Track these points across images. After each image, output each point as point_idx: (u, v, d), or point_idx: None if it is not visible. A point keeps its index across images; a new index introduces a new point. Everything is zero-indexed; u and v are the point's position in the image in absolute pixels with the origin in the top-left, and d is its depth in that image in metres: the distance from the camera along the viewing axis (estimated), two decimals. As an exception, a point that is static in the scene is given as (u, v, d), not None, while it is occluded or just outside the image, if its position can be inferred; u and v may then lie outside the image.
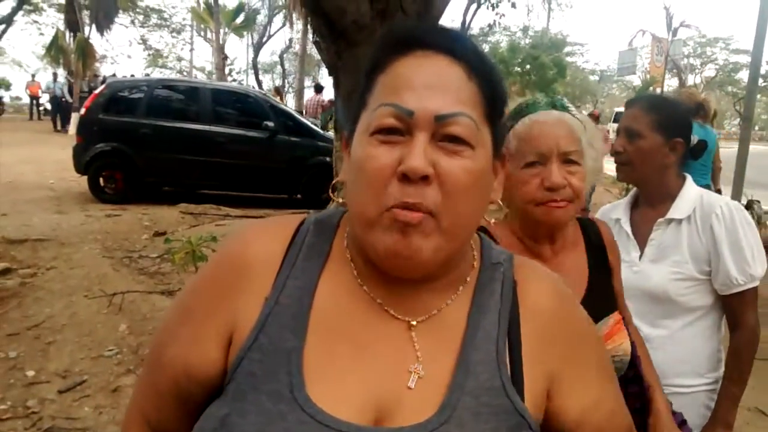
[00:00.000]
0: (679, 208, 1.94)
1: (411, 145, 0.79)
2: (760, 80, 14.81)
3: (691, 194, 1.95)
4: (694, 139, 1.97)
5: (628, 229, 2.04)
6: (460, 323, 0.88)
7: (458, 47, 0.85)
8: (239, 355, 0.83)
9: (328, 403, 0.79)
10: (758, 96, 12.56)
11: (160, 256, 6.30)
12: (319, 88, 16.42)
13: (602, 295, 1.47)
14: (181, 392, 0.90)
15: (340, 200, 0.93)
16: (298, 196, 10.06)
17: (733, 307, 1.89)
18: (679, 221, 1.93)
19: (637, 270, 1.97)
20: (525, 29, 35.29)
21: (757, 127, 45.32)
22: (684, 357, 1.91)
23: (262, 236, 0.93)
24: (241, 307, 0.86)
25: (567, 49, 36.31)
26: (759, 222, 5.44)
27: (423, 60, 0.83)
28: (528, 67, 29.37)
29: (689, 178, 1.99)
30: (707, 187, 6.01)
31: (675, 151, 1.94)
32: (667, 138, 1.94)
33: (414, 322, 0.87)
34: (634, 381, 1.45)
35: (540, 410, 0.88)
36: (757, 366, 4.53)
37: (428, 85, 0.81)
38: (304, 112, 13.30)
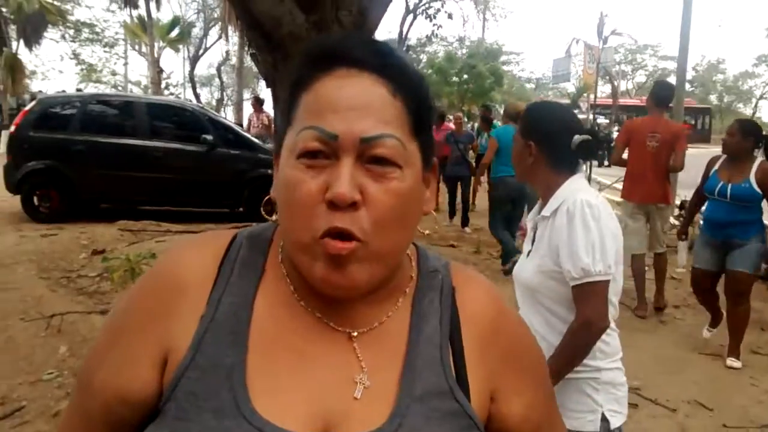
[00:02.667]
0: (549, 205, 2.07)
1: (337, 170, 0.78)
2: (687, 85, 15.36)
3: (563, 192, 2.06)
4: (577, 139, 2.06)
5: (530, 225, 2.22)
6: (402, 332, 0.89)
7: (383, 63, 0.84)
8: (176, 375, 0.81)
9: (275, 415, 0.78)
10: (686, 99, 13.02)
11: (99, 275, 6.14)
12: (260, 102, 15.31)
13: None
14: (113, 418, 0.87)
15: (274, 218, 0.92)
16: (240, 209, 9.94)
17: (574, 298, 1.98)
18: (548, 217, 2.06)
19: (520, 263, 2.17)
20: (461, 39, 35.82)
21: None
22: (553, 345, 1.98)
23: (194, 253, 0.91)
24: (175, 327, 0.85)
25: (503, 58, 36.96)
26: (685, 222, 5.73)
27: (346, 79, 0.82)
28: (465, 76, 29.84)
29: (573, 177, 2.10)
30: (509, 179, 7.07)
31: (531, 153, 2.12)
32: (527, 141, 2.13)
33: (355, 333, 0.87)
34: None
35: (485, 412, 0.90)
36: (698, 360, 4.68)
37: (352, 106, 0.80)
38: (248, 131, 13.01)
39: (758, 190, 4.80)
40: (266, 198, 0.93)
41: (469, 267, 1.06)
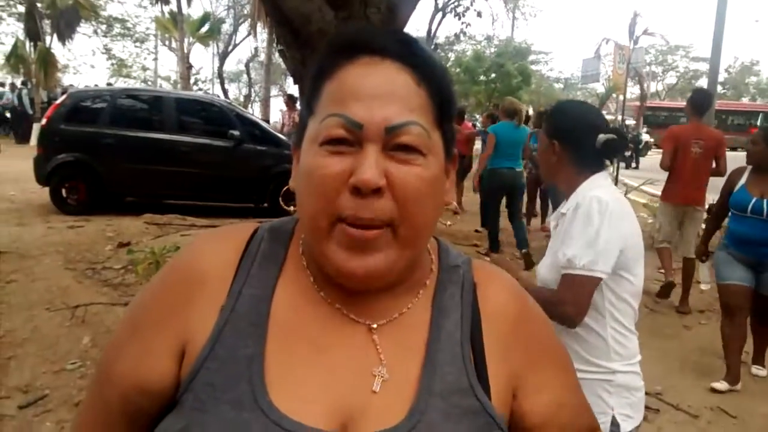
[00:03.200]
0: (568, 203, 2.09)
1: (362, 157, 0.78)
2: (719, 87, 15.15)
3: (582, 189, 2.06)
4: (601, 138, 2.06)
5: (552, 224, 2.22)
6: (422, 326, 0.88)
7: (406, 52, 0.84)
8: (195, 366, 0.81)
9: (293, 409, 0.78)
10: (717, 102, 12.85)
11: (124, 267, 6.20)
12: (293, 100, 14.95)
13: None
14: (131, 408, 0.87)
15: (292, 209, 0.92)
16: (265, 204, 9.98)
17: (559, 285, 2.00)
18: (565, 214, 2.07)
19: (542, 260, 2.18)
20: (489, 38, 35.62)
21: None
22: (568, 345, 1.95)
23: (215, 245, 0.91)
24: (194, 318, 0.85)
25: (531, 57, 36.66)
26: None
27: (370, 67, 0.82)
28: (493, 75, 29.68)
29: (594, 176, 2.09)
30: (511, 169, 7.89)
31: (555, 152, 2.13)
32: (551, 140, 2.15)
33: (375, 325, 0.86)
34: None
35: (506, 410, 0.89)
36: (722, 366, 4.57)
37: (376, 94, 0.80)
38: (281, 129, 13.03)
39: None
40: (285, 188, 0.92)
41: (491, 264, 1.05)
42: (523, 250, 7.73)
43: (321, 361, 0.83)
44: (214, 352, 0.81)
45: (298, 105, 14.53)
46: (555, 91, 41.85)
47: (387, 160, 0.79)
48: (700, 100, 6.28)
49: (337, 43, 0.86)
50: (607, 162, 2.20)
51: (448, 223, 0.95)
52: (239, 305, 0.84)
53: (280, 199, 0.97)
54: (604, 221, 1.93)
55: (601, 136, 2.06)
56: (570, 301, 1.94)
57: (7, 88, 24.42)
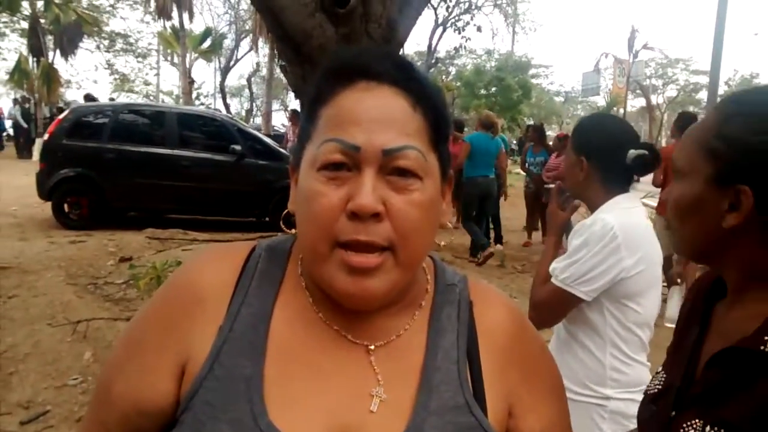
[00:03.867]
0: (587, 219, 2.04)
1: (359, 182, 0.78)
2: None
3: (602, 209, 2.01)
4: (632, 154, 1.97)
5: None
6: (419, 346, 0.89)
7: (402, 77, 0.84)
8: (194, 385, 0.81)
9: (292, 429, 0.78)
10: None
11: (126, 282, 6.20)
12: (297, 115, 15.28)
13: None
14: (130, 428, 0.87)
15: (293, 231, 0.92)
16: (267, 219, 9.99)
17: None
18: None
19: None
20: (490, 52, 35.77)
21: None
22: (568, 363, 1.96)
23: (213, 264, 0.92)
24: (193, 337, 0.85)
25: (532, 71, 36.80)
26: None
27: (367, 92, 0.83)
28: (493, 89, 29.77)
29: (617, 198, 2.01)
30: (485, 176, 8.76)
31: (582, 169, 2.04)
32: (578, 156, 2.06)
33: (372, 347, 0.87)
34: None
35: (502, 428, 0.89)
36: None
37: (373, 118, 0.80)
38: (285, 143, 13.06)
39: None
40: (285, 212, 0.92)
41: (485, 281, 1.06)
42: (478, 258, 8.55)
43: (319, 382, 0.83)
44: (212, 371, 0.82)
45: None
46: (556, 104, 41.96)
47: (385, 187, 0.79)
48: (684, 122, 6.71)
49: (334, 68, 0.87)
50: (636, 178, 2.12)
51: (442, 243, 0.96)
52: (237, 325, 0.85)
53: (281, 222, 0.96)
54: (600, 248, 1.88)
55: (632, 152, 1.98)
56: (541, 305, 1.98)
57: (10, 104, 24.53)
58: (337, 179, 0.79)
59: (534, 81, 35.71)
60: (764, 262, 0.99)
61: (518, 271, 7.98)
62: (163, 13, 28.48)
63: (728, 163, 0.99)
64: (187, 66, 31.60)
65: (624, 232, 1.89)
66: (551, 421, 0.94)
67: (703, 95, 42.92)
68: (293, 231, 0.91)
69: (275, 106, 34.37)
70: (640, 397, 2.00)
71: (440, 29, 22.03)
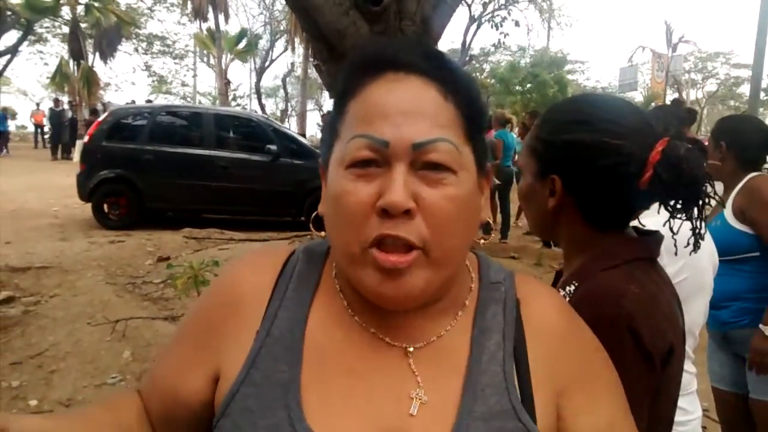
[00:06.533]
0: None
1: (389, 178, 0.75)
2: (762, 94, 14.86)
3: (645, 215, 1.99)
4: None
5: None
6: (463, 347, 0.85)
7: (432, 66, 0.81)
8: (231, 390, 0.81)
9: None
10: (761, 110, 12.60)
11: (164, 282, 6.28)
12: None
13: None
14: (167, 414, 0.91)
15: (323, 234, 0.89)
16: (302, 218, 10.05)
17: None
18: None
19: None
20: (524, 49, 35.48)
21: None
22: None
23: (251, 269, 0.92)
24: (230, 343, 0.85)
25: (567, 66, 36.33)
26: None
27: (395, 83, 0.79)
28: (528, 85, 29.50)
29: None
30: (508, 166, 9.77)
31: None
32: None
33: (411, 349, 0.84)
34: None
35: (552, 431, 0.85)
36: (705, 363, 4.31)
37: (402, 111, 0.77)
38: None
39: (741, 227, 2.68)
40: (314, 214, 0.90)
41: (535, 278, 1.01)
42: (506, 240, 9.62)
43: (357, 386, 0.81)
44: (249, 376, 0.81)
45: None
46: (592, 100, 41.40)
47: (417, 181, 0.76)
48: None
49: (360, 60, 0.84)
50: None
51: (483, 240, 0.92)
52: (274, 329, 0.84)
53: (311, 225, 0.94)
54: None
55: None
56: None
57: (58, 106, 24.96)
58: (367, 176, 0.76)
59: (570, 77, 35.24)
60: (579, 232, 1.29)
61: (555, 269, 7.86)
62: (199, 14, 28.94)
63: (543, 159, 1.30)
64: (223, 67, 31.98)
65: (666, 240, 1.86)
66: (609, 421, 0.88)
67: (744, 89, 42.02)
68: (323, 234, 0.88)
69: (310, 106, 34.65)
70: (685, 404, 1.95)
71: (474, 26, 21.88)
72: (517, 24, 19.05)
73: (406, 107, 0.77)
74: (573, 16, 46.85)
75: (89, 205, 10.04)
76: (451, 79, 0.81)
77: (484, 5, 22.35)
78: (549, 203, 1.28)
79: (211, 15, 29.02)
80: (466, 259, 0.89)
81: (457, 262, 0.83)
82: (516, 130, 11.88)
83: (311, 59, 21.18)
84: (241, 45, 34.86)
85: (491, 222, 0.94)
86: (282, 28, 33.21)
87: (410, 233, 0.74)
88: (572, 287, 1.23)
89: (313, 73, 26.44)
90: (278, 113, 41.03)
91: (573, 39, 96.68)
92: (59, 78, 26.29)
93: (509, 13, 19.68)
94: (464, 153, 0.80)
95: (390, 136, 0.75)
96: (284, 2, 8.65)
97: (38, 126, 28.10)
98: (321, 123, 15.28)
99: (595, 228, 1.28)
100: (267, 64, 36.84)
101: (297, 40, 28.09)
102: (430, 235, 0.75)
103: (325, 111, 19.22)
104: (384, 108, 0.77)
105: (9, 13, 26.40)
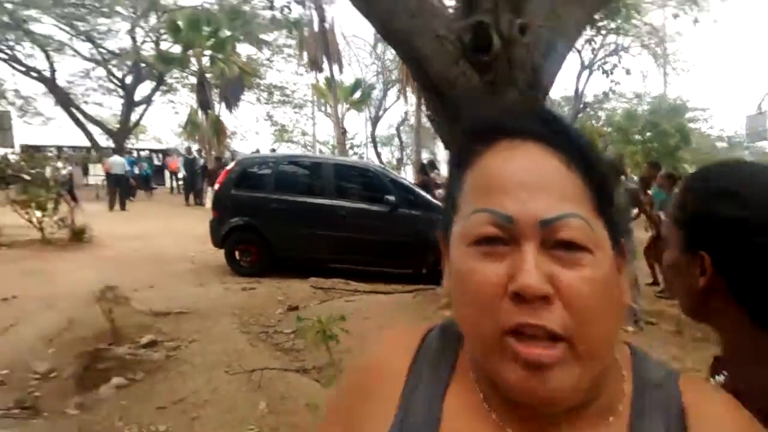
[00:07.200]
0: None
1: (519, 258, 0.67)
2: None
3: None
4: None
5: None
6: None
7: (549, 131, 0.74)
8: None
9: None
10: None
11: (294, 332, 6.43)
12: (432, 166, 15.29)
13: None
14: None
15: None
16: (423, 271, 9.89)
17: None
18: None
19: None
20: (640, 96, 34.44)
21: None
22: None
23: (388, 351, 0.89)
24: (367, 426, 0.82)
25: (688, 114, 34.90)
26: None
27: (511, 152, 0.73)
28: (648, 134, 28.53)
29: None
30: None
31: None
32: None
33: None
34: None
35: None
36: None
37: (523, 182, 0.70)
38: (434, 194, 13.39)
39: None
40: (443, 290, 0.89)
41: (703, 379, 0.91)
42: None
43: None
44: None
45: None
46: (719, 150, 39.51)
47: (550, 262, 0.68)
48: None
49: (473, 128, 0.79)
50: None
51: (630, 329, 0.85)
52: (410, 415, 0.80)
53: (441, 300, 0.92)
54: None
55: None
56: None
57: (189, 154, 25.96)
58: (494, 255, 0.69)
59: (692, 125, 33.83)
60: (732, 316, 1.12)
61: (699, 339, 6.58)
62: (314, 65, 29.98)
63: (689, 233, 1.16)
64: (340, 116, 32.90)
65: None
66: None
67: None
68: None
69: (424, 154, 34.89)
70: None
71: (586, 72, 21.48)
72: (628, 72, 18.49)
73: (527, 178, 0.70)
74: (690, 61, 44.75)
75: (222, 252, 10.44)
76: (570, 144, 0.73)
77: (593, 51, 21.89)
78: (699, 282, 1.14)
79: (326, 65, 30.01)
80: (615, 353, 0.78)
81: (606, 356, 0.73)
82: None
83: (424, 108, 21.34)
84: (356, 95, 35.82)
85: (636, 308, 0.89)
86: (393, 77, 33.89)
87: (553, 322, 0.66)
88: (722, 377, 1.10)
89: (426, 122, 26.79)
90: (394, 161, 41.55)
91: (692, 85, 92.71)
92: (190, 127, 27.94)
93: (620, 60, 19.15)
94: (597, 229, 0.71)
95: (514, 212, 0.69)
96: (395, 52, 8.78)
97: (173, 173, 29.24)
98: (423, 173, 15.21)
99: (755, 322, 1.10)
100: (381, 113, 37.64)
101: (409, 89, 28.56)
102: (574, 323, 0.66)
103: (426, 161, 19.16)
104: (502, 179, 0.71)
105: (143, 65, 28.57)
